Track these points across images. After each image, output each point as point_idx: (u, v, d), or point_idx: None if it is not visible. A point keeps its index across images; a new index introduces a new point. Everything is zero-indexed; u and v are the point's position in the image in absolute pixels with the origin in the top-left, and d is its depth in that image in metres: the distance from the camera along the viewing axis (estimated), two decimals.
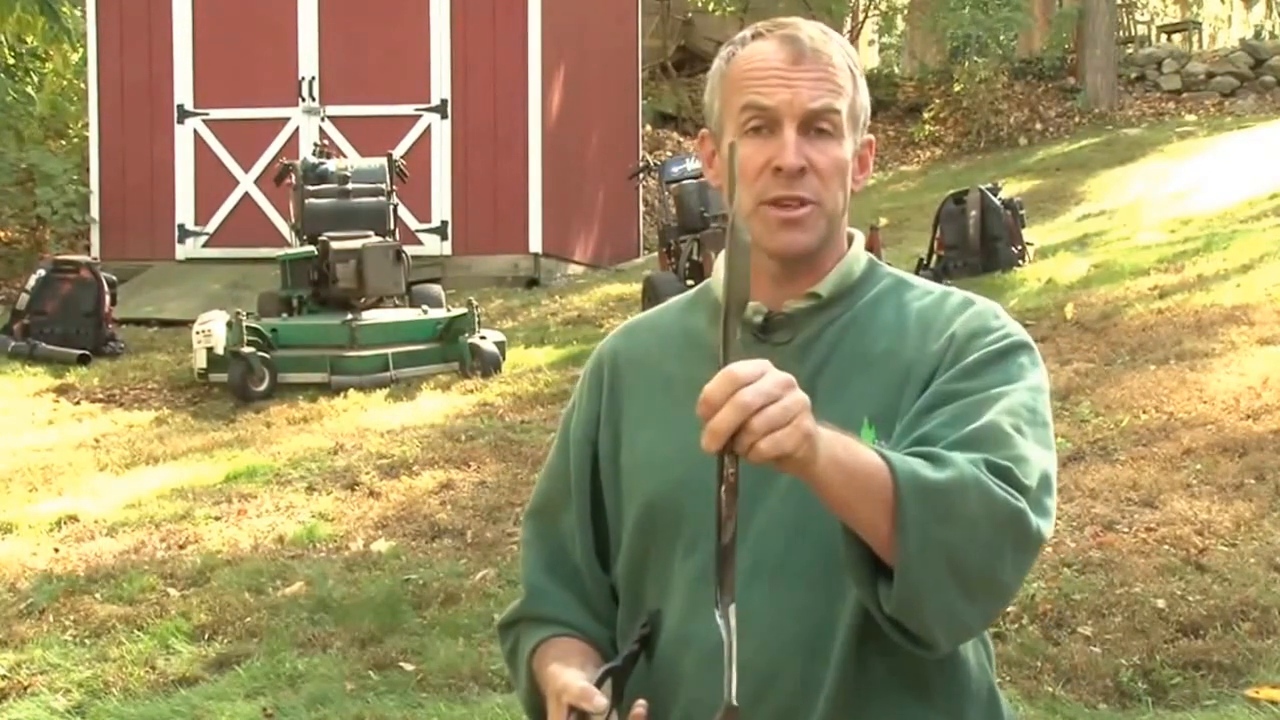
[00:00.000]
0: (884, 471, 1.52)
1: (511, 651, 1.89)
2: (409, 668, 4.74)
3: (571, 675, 1.67)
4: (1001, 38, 19.76)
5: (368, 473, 6.61)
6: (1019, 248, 10.15)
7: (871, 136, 1.82)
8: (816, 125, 1.71)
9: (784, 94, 1.71)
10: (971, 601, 1.58)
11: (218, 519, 6.16)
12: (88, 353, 9.31)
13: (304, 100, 11.99)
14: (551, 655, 1.77)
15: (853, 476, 1.51)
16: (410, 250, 9.63)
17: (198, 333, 8.44)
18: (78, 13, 14.45)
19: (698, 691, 1.70)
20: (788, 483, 1.69)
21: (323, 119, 11.98)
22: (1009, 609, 4.42)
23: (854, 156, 1.77)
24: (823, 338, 1.76)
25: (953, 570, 1.54)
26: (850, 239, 1.83)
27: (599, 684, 1.65)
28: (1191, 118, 18.49)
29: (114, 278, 9.84)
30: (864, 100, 1.78)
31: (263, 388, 8.25)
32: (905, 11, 24.15)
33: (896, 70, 24.56)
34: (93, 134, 12.54)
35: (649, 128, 17.54)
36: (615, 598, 1.85)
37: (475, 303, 8.91)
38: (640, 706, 1.64)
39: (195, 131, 12.16)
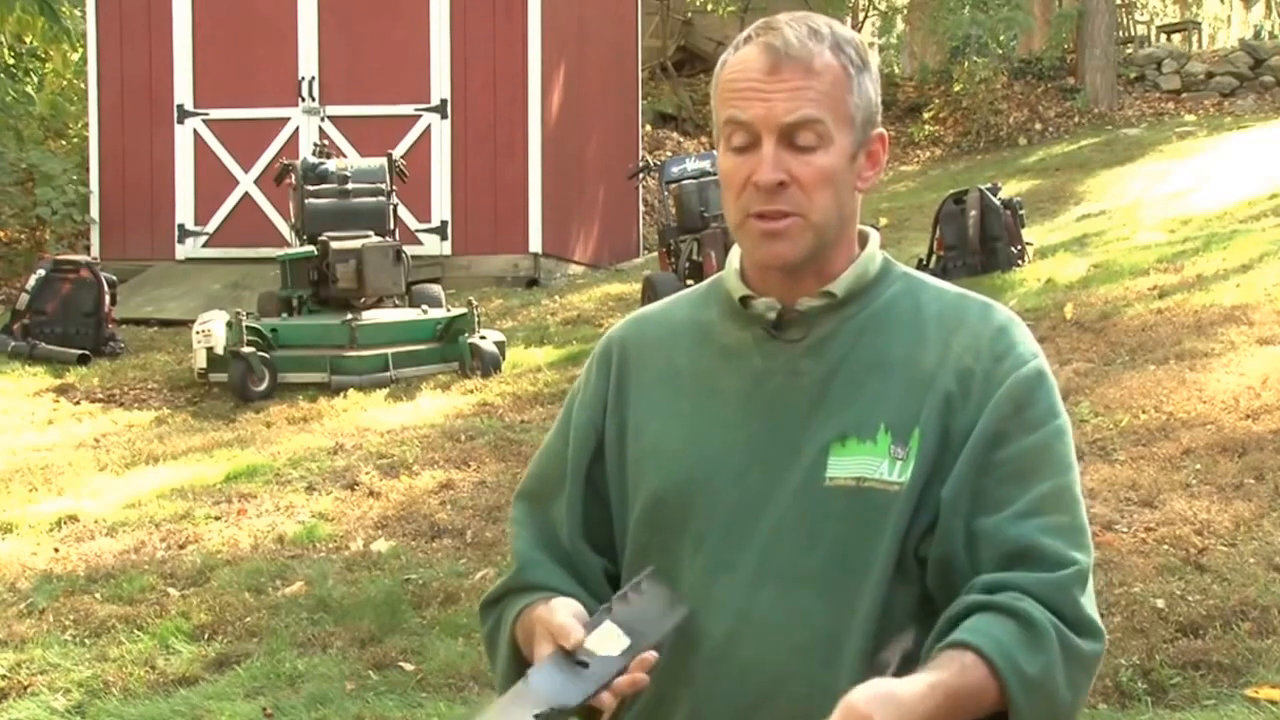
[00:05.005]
0: (992, 690, 1.58)
1: (494, 628, 1.85)
2: (409, 668, 4.75)
3: (561, 614, 1.65)
4: (1001, 38, 19.76)
5: (368, 473, 6.61)
6: (1018, 248, 10.15)
7: (882, 131, 1.78)
8: (796, 138, 1.68)
9: (759, 108, 1.68)
10: None
11: (218, 519, 6.16)
12: (88, 353, 9.31)
13: (304, 100, 11.99)
14: (540, 606, 1.73)
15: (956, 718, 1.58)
16: (410, 250, 9.63)
17: (198, 333, 8.44)
18: (78, 13, 14.45)
19: (705, 690, 1.70)
20: (799, 484, 1.70)
21: (323, 119, 11.98)
22: None
23: (861, 153, 1.73)
24: (838, 338, 1.74)
25: None
26: (865, 238, 1.81)
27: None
28: (1191, 118, 18.49)
29: (114, 278, 9.84)
30: (868, 97, 1.73)
31: (263, 388, 8.25)
32: (905, 12, 24.15)
33: (896, 70, 24.55)
34: (93, 134, 12.54)
35: (649, 128, 17.53)
36: (608, 581, 1.82)
37: (475, 303, 8.91)
38: (650, 654, 1.63)
39: (195, 131, 12.15)
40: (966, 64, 19.31)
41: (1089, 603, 1.65)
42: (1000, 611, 1.60)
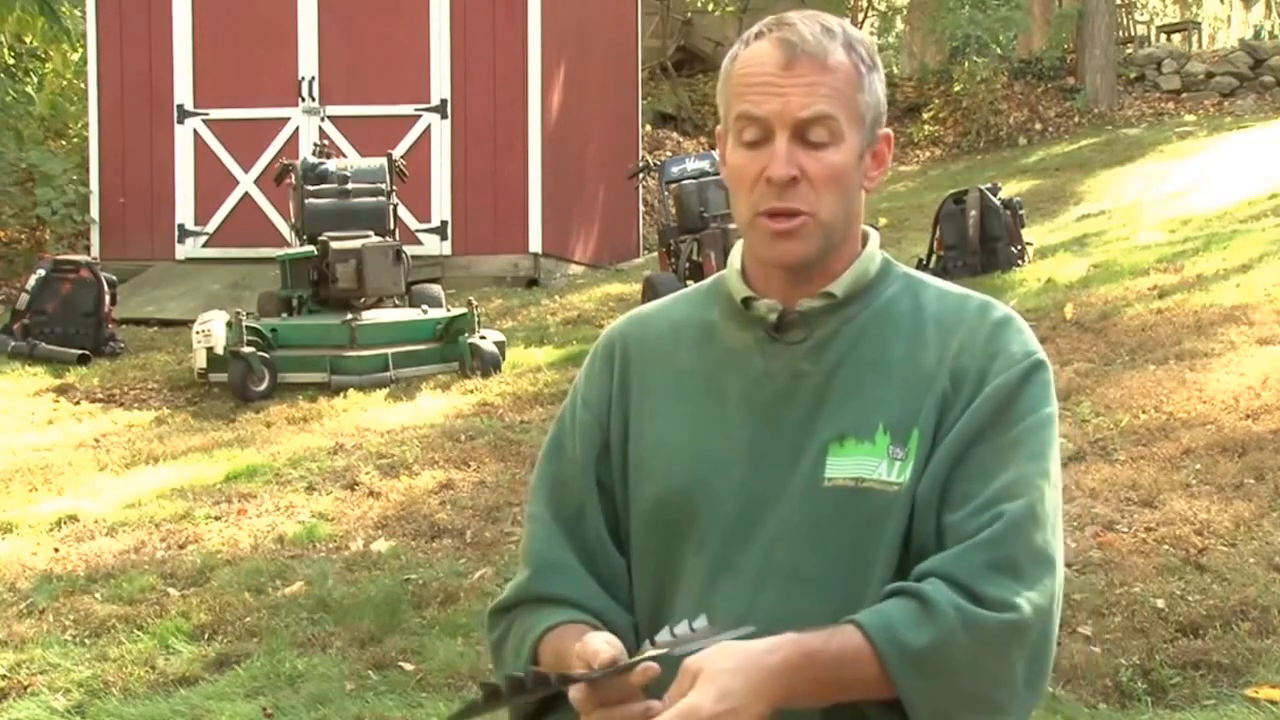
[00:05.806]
0: (871, 662, 1.56)
1: (503, 638, 1.81)
2: (409, 667, 4.75)
3: (595, 643, 1.59)
4: (1001, 38, 19.76)
5: (368, 473, 6.61)
6: (1018, 248, 10.16)
7: (889, 131, 1.78)
8: (809, 134, 1.68)
9: (774, 103, 1.68)
10: (1001, 712, 1.63)
11: (218, 519, 6.16)
12: (88, 353, 9.31)
13: (304, 100, 11.99)
14: (575, 635, 1.67)
15: (839, 692, 1.57)
16: (410, 250, 9.63)
17: (198, 333, 8.44)
18: (78, 13, 14.45)
19: None
20: (800, 486, 1.70)
21: (323, 119, 11.98)
22: None
23: (867, 153, 1.74)
24: (838, 338, 1.74)
25: (973, 706, 1.60)
26: (865, 238, 1.80)
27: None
28: (1191, 118, 18.49)
29: (114, 278, 9.84)
30: (876, 96, 1.74)
31: (263, 388, 8.25)
32: (905, 12, 24.15)
33: (896, 70, 24.55)
34: (93, 134, 12.54)
35: (649, 128, 17.53)
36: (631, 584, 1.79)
37: (475, 303, 8.91)
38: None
39: (195, 131, 12.15)
40: (966, 64, 19.32)
41: (1010, 574, 1.60)
42: (901, 594, 1.61)
